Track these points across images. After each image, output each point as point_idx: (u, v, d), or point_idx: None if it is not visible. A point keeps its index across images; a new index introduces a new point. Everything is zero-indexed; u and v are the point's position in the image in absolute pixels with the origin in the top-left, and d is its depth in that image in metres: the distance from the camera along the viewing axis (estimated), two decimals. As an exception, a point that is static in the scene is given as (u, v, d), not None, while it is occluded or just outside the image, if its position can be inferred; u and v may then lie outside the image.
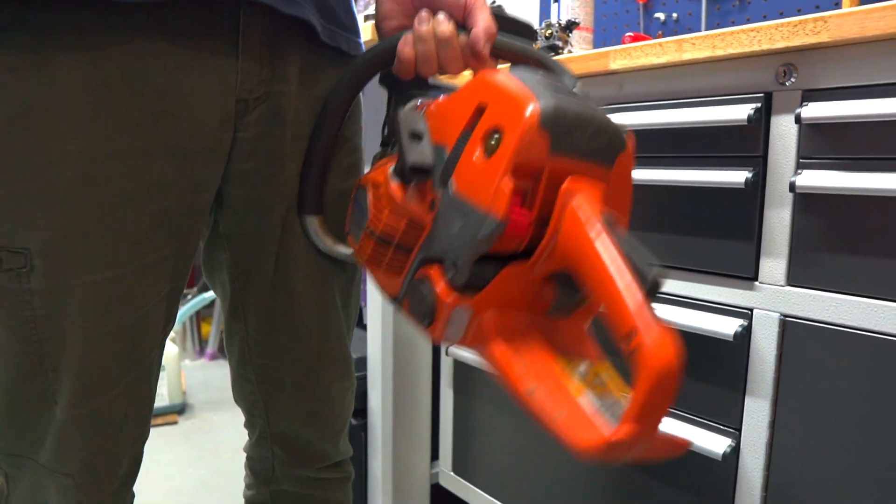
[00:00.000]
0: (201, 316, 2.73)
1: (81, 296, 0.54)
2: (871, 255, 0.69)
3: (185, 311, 2.45)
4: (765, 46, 0.74)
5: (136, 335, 0.58)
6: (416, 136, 0.51)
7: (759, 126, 0.77)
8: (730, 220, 0.81)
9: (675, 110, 0.85)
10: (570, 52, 1.02)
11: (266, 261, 0.67)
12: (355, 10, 0.72)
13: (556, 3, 1.10)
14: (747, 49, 0.76)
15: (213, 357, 2.70)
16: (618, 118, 0.92)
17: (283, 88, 0.62)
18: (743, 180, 0.77)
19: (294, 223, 0.66)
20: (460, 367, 1.26)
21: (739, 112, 0.77)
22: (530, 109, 0.44)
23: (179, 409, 2.12)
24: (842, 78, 0.71)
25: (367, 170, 0.64)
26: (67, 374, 0.55)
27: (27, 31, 0.50)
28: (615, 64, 0.90)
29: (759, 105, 0.77)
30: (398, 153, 0.52)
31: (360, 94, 0.66)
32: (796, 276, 0.76)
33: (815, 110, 0.71)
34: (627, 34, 0.95)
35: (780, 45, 0.73)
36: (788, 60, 0.75)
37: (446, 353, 1.26)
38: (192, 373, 2.51)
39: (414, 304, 0.52)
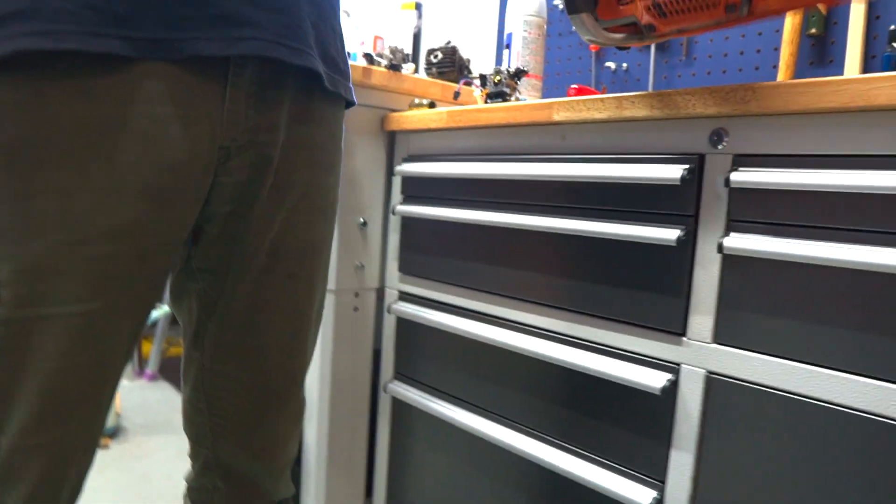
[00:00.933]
0: (143, 335, 2.65)
1: (50, 328, 0.54)
2: (793, 318, 0.71)
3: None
4: (698, 111, 0.76)
5: (99, 370, 0.58)
6: None
7: (692, 186, 0.79)
8: (661, 275, 0.83)
9: (614, 165, 0.87)
10: (517, 99, 1.04)
11: (236, 299, 0.69)
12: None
13: (508, 50, 1.12)
14: (682, 112, 0.78)
15: (153, 378, 2.62)
16: (560, 169, 0.94)
17: (268, 137, 0.64)
18: (674, 238, 0.79)
19: (277, 266, 0.68)
20: (398, 404, 1.25)
21: (673, 172, 0.79)
22: None
23: (111, 433, 2.04)
24: (770, 146, 0.73)
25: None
26: (21, 404, 0.55)
27: (22, 69, 0.51)
28: (558, 116, 0.92)
29: (692, 166, 0.79)
30: None
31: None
32: (723, 335, 0.77)
33: (745, 176, 0.74)
34: (572, 86, 0.97)
35: (712, 110, 0.75)
36: (721, 125, 0.77)
37: (384, 391, 1.25)
38: (129, 394, 2.43)
39: None
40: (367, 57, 1.22)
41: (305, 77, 0.65)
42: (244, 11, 0.58)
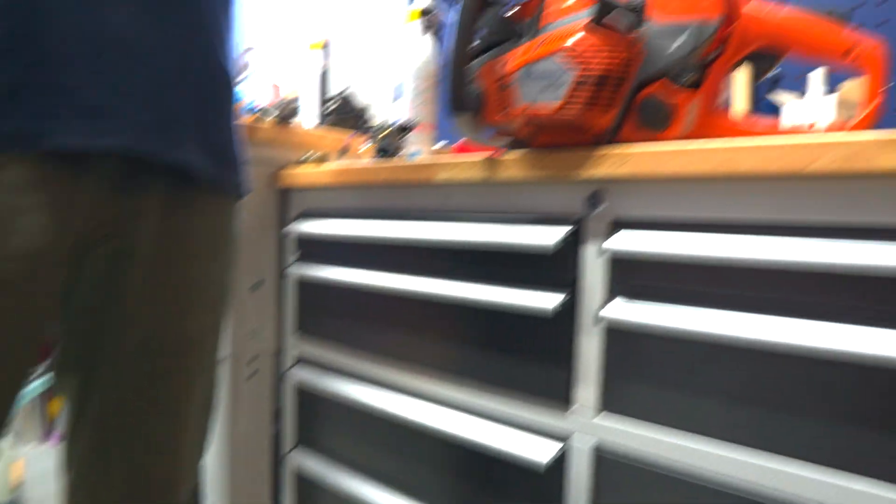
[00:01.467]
0: (48, 395, 2.48)
1: None
2: (678, 390, 0.68)
3: (29, 389, 2.22)
4: (575, 173, 0.73)
5: None
6: None
7: (571, 252, 0.76)
8: (545, 344, 0.79)
9: (494, 227, 0.83)
10: (405, 154, 0.99)
11: (108, 396, 0.66)
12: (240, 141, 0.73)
13: (399, 101, 1.08)
14: (559, 174, 0.75)
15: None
16: (443, 231, 0.90)
17: (133, 229, 0.62)
18: (551, 308, 0.75)
19: (149, 362, 0.66)
20: (301, 474, 1.17)
21: (551, 236, 0.76)
22: None
23: (7, 510, 1.88)
24: (647, 210, 0.71)
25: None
26: None
27: None
28: (440, 176, 0.88)
29: (571, 229, 0.75)
30: (602, 7, 0.65)
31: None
32: (608, 406, 0.73)
33: (622, 242, 0.70)
34: (456, 144, 0.93)
35: (588, 173, 0.72)
36: (598, 188, 0.74)
37: (285, 461, 1.17)
38: (34, 462, 2.26)
39: (647, 116, 0.68)
40: (253, 112, 1.16)
41: (180, 168, 0.63)
42: (112, 103, 0.57)
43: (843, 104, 0.86)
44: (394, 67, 1.10)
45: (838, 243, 0.58)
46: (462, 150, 0.93)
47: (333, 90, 1.57)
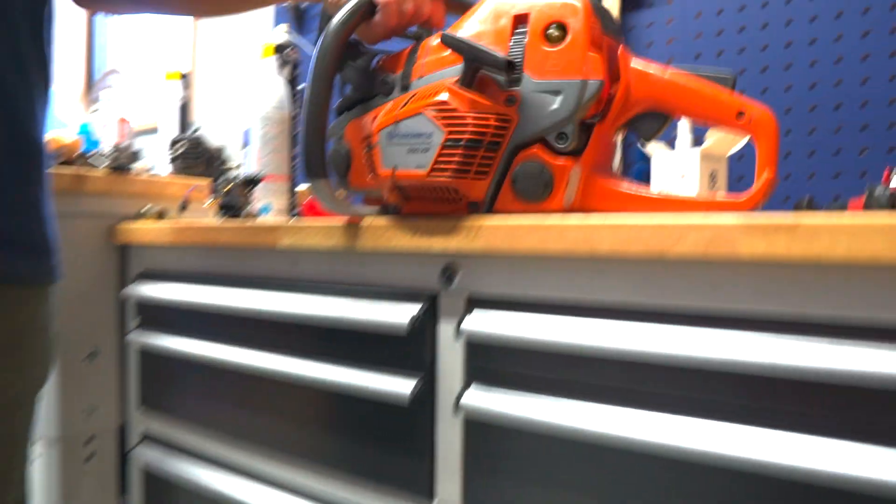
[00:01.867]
0: None
1: None
2: (539, 486, 0.60)
3: None
4: (426, 244, 0.65)
5: None
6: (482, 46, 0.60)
7: (427, 331, 0.67)
8: (403, 431, 0.70)
9: (343, 302, 0.74)
10: (248, 213, 0.88)
11: None
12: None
13: (245, 159, 0.96)
14: (409, 245, 0.66)
15: None
16: (290, 302, 0.79)
17: None
18: (407, 395, 0.67)
19: None
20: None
21: (404, 314, 0.67)
22: (584, 4, 0.60)
23: None
24: (504, 287, 0.63)
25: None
26: None
27: None
28: (284, 241, 0.78)
29: (423, 306, 0.67)
30: (470, 66, 0.60)
31: None
32: (472, 500, 0.65)
33: (478, 322, 0.63)
34: (306, 202, 0.83)
35: (439, 245, 0.64)
36: (452, 261, 0.66)
37: None
38: None
39: (525, 184, 0.61)
40: (82, 158, 1.01)
41: None
42: None
43: (706, 158, 0.83)
44: (247, 109, 0.98)
45: (704, 331, 0.52)
46: (311, 209, 0.83)
47: (195, 127, 1.43)
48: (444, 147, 0.61)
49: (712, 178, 0.84)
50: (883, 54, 0.90)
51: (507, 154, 0.62)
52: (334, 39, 0.66)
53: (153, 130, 1.78)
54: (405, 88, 0.68)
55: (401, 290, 0.70)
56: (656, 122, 0.62)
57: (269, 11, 1.65)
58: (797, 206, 0.60)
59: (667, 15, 1.05)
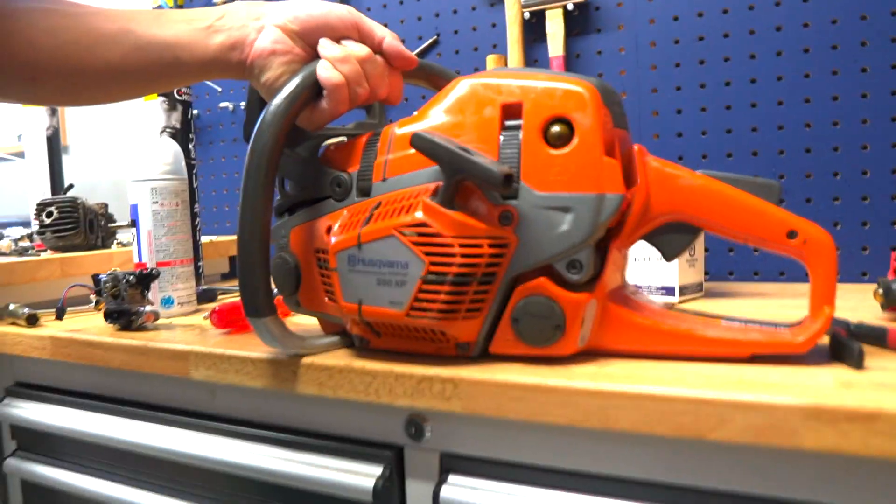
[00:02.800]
0: None
1: None
2: None
3: None
4: (384, 400, 0.52)
5: None
6: (467, 152, 0.47)
7: (392, 497, 0.55)
8: None
9: (282, 451, 0.59)
10: (142, 325, 0.71)
11: None
12: None
13: (136, 242, 0.78)
14: (364, 397, 0.53)
15: None
16: (207, 445, 0.64)
17: None
18: (379, 583, 0.54)
19: None
20: None
21: (363, 478, 0.54)
22: (591, 92, 0.47)
23: None
24: (485, 448, 0.51)
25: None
26: None
27: None
28: (197, 373, 0.62)
29: (386, 469, 0.54)
30: (453, 178, 0.47)
31: None
32: None
33: (458, 492, 0.51)
34: (216, 307, 0.67)
35: (402, 402, 0.51)
36: (417, 415, 0.53)
37: None
38: None
39: (531, 326, 0.48)
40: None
41: None
42: None
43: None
44: (131, 174, 0.80)
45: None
46: (224, 319, 0.67)
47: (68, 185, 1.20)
48: (425, 282, 0.47)
49: (690, 250, 0.75)
50: (854, 94, 0.83)
51: (504, 286, 0.49)
52: (274, 131, 0.51)
53: (19, 154, 1.52)
54: (364, 193, 0.54)
55: (356, 441, 0.57)
56: (683, 239, 0.50)
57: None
58: (834, 346, 0.49)
59: (618, 42, 0.94)
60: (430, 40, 1.06)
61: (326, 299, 0.56)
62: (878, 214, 0.82)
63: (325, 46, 0.54)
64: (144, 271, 0.72)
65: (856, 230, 0.84)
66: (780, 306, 0.70)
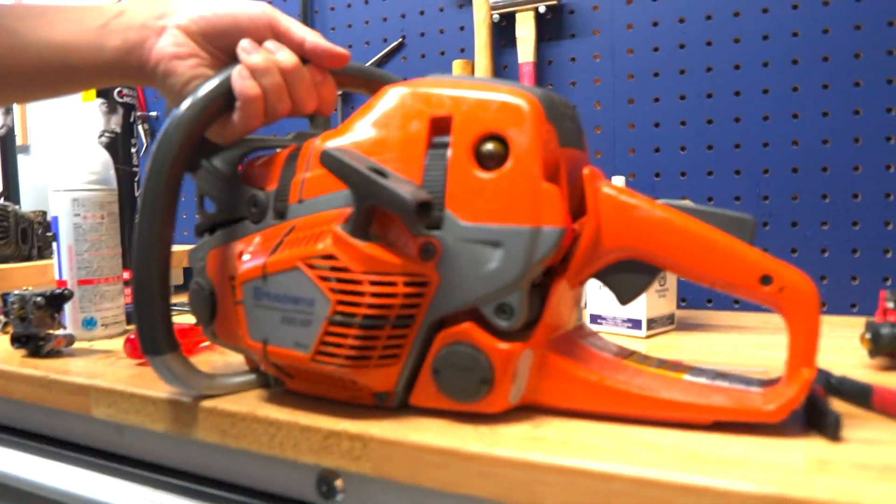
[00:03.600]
0: None
1: None
2: None
3: None
4: (288, 455, 0.45)
5: None
6: (380, 173, 0.40)
7: (303, 565, 0.48)
8: None
9: (182, 501, 0.53)
10: (52, 351, 0.64)
11: None
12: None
13: (56, 246, 0.71)
14: (267, 451, 0.46)
15: None
16: (114, 492, 0.57)
17: None
18: None
19: None
20: None
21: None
22: (531, 105, 0.40)
23: None
24: (404, 517, 0.44)
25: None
26: None
27: None
28: (100, 411, 0.55)
29: (299, 529, 0.47)
30: (363, 205, 0.40)
31: None
32: None
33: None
34: (131, 335, 0.60)
35: (308, 459, 0.44)
36: (329, 472, 0.46)
37: None
38: None
39: (452, 379, 0.41)
40: None
41: None
42: None
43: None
44: (54, 182, 0.73)
45: None
46: (138, 348, 0.60)
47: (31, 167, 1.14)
48: (331, 323, 0.41)
49: (660, 279, 0.68)
50: (846, 110, 0.76)
51: (424, 330, 0.42)
52: (177, 143, 0.45)
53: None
54: (280, 216, 0.47)
55: (266, 496, 0.50)
56: (639, 280, 0.43)
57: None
58: (809, 410, 0.41)
59: (593, 48, 0.87)
60: (395, 43, 1.00)
61: (240, 332, 0.49)
62: (870, 241, 0.75)
63: (245, 51, 0.47)
64: (55, 291, 0.65)
65: (845, 258, 0.77)
66: (759, 344, 0.64)
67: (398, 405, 0.44)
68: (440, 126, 0.42)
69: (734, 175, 0.81)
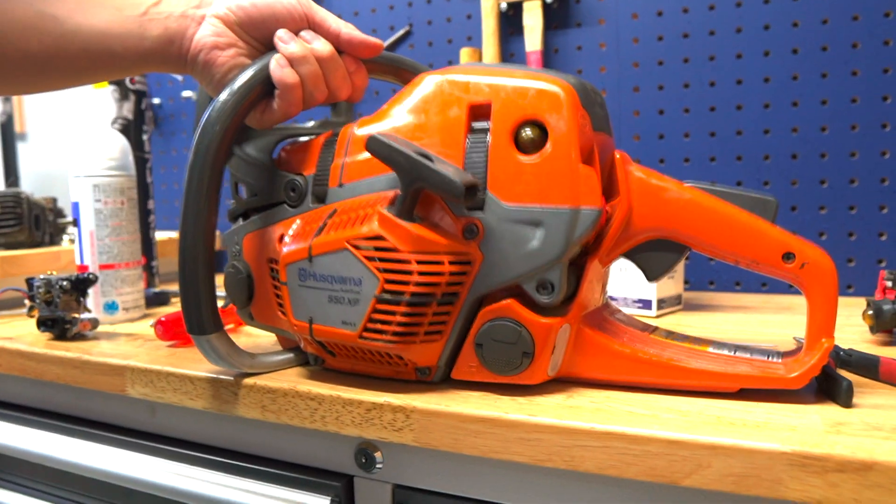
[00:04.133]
0: None
1: None
2: None
3: None
4: (331, 428, 0.47)
5: None
6: (427, 157, 0.42)
7: (341, 532, 0.50)
8: None
9: (229, 478, 0.55)
10: (78, 334, 0.66)
11: None
12: None
13: (77, 229, 0.73)
14: (309, 423, 0.48)
15: None
16: (147, 468, 0.59)
17: None
18: None
19: None
20: None
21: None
22: (567, 92, 0.42)
23: None
24: (447, 485, 0.47)
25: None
26: None
27: None
28: (135, 390, 0.57)
29: (335, 497, 0.50)
30: (411, 188, 0.42)
31: None
32: None
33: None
34: (162, 318, 0.62)
35: (350, 431, 0.46)
36: (367, 443, 0.49)
37: None
38: None
39: (495, 352, 0.44)
40: None
41: None
42: None
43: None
44: (75, 169, 0.74)
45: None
46: (170, 331, 0.62)
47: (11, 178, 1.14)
48: (379, 302, 0.43)
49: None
50: (844, 98, 0.79)
51: (467, 307, 0.44)
52: (220, 130, 0.46)
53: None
54: (319, 200, 0.49)
55: (303, 468, 0.52)
56: (667, 258, 0.46)
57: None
58: (822, 379, 0.43)
59: (599, 37, 0.89)
60: (403, 31, 1.01)
61: (280, 313, 0.51)
62: (866, 225, 0.79)
63: (283, 40, 0.49)
64: (81, 276, 0.67)
65: (842, 241, 0.80)
66: (762, 322, 0.67)
67: (440, 379, 0.47)
68: (479, 112, 0.44)
69: (736, 161, 0.84)
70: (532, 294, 0.43)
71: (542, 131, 0.43)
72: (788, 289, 0.83)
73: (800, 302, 0.77)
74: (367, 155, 0.47)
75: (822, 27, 0.79)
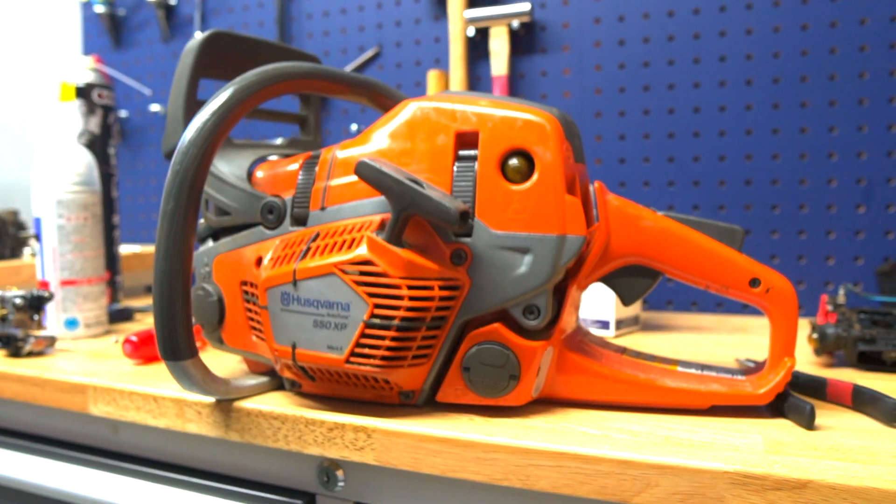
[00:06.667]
0: None
1: None
2: None
3: None
4: (293, 447, 0.48)
5: None
6: (418, 184, 0.43)
7: (302, 550, 0.51)
8: None
9: (192, 496, 0.55)
10: (32, 352, 0.65)
11: None
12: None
13: (38, 244, 0.72)
14: (271, 443, 0.48)
15: None
16: (107, 489, 0.59)
17: None
18: None
19: None
20: None
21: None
22: (552, 124, 0.44)
23: None
24: (400, 500, 0.48)
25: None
26: None
27: None
28: (97, 409, 0.57)
29: (299, 517, 0.50)
30: (399, 213, 0.42)
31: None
32: None
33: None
34: (132, 336, 0.62)
35: (313, 451, 0.47)
36: (330, 462, 0.50)
37: None
38: None
39: (483, 376, 0.45)
40: None
41: None
42: None
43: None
44: (37, 186, 0.74)
45: None
46: (137, 350, 0.62)
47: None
48: (368, 326, 0.43)
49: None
50: (821, 127, 0.82)
51: (454, 331, 0.45)
52: (202, 149, 0.44)
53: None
54: (299, 223, 0.49)
55: (265, 486, 0.53)
56: (642, 283, 0.48)
57: (73, 25, 1.34)
58: (779, 400, 0.46)
59: (563, 64, 0.92)
60: (372, 51, 1.03)
61: (254, 338, 0.51)
62: (815, 249, 0.82)
63: None
64: (35, 293, 0.66)
65: (792, 264, 0.83)
66: (716, 343, 0.69)
67: (423, 403, 0.47)
68: (466, 140, 0.46)
69: (693, 186, 0.87)
70: (518, 318, 0.44)
71: (529, 161, 0.44)
72: (742, 309, 0.86)
73: (753, 323, 0.80)
74: (351, 178, 0.47)
75: (775, 61, 0.83)
